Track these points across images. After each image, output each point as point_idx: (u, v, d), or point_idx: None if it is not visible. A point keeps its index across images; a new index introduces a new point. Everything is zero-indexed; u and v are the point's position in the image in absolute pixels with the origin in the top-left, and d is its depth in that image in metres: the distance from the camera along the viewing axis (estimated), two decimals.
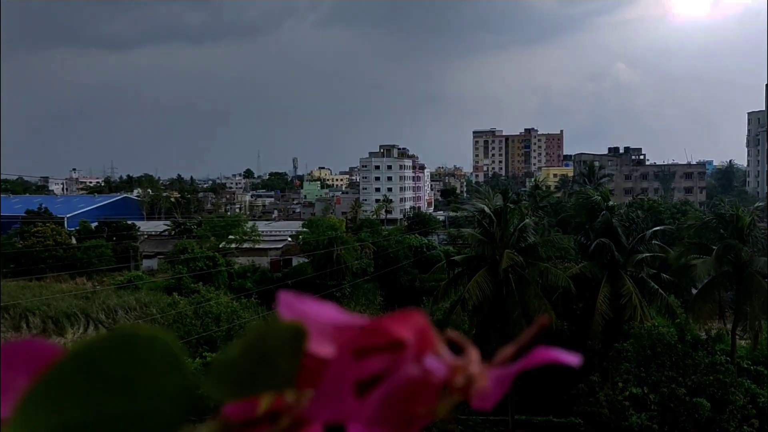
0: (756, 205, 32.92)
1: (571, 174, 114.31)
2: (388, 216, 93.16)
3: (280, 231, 62.74)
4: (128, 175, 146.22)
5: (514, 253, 25.34)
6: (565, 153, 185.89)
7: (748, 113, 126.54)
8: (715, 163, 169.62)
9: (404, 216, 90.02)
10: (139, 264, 52.41)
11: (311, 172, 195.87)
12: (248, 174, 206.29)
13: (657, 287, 26.68)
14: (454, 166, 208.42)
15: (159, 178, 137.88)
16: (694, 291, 29.98)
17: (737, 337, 27.57)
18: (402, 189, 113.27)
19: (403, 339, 0.45)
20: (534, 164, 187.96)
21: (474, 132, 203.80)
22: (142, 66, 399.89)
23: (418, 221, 68.46)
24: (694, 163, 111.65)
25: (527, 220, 27.55)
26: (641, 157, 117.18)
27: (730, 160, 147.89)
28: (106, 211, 72.15)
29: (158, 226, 67.21)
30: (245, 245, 51.23)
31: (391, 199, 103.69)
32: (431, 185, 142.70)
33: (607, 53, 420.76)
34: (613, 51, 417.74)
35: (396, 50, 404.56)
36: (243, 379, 0.43)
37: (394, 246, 47.24)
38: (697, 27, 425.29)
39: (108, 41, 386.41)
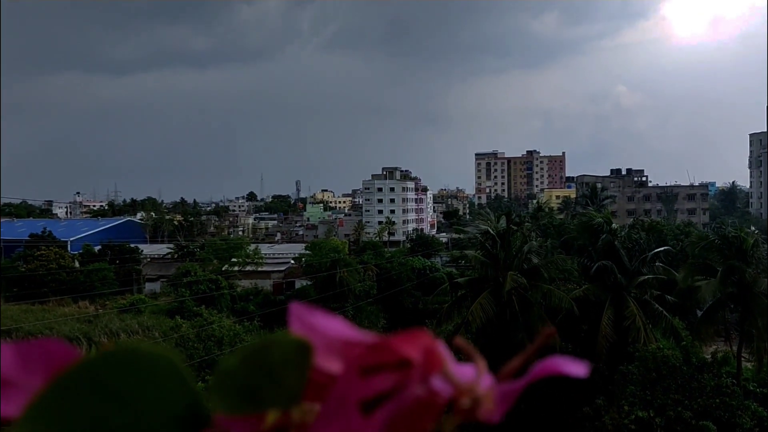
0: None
1: (573, 196, 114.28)
2: (391, 238, 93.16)
3: (282, 253, 62.87)
4: (132, 199, 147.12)
5: (518, 275, 25.30)
6: (567, 175, 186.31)
7: (750, 134, 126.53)
8: (717, 185, 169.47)
9: (407, 238, 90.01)
10: (142, 287, 52.39)
11: (314, 194, 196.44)
12: (251, 197, 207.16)
13: (661, 309, 26.51)
14: (457, 188, 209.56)
15: (162, 201, 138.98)
16: (699, 312, 29.81)
17: (743, 359, 27.35)
18: (404, 211, 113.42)
19: (411, 358, 0.45)
20: (536, 186, 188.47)
21: (476, 154, 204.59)
22: (146, 90, 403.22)
23: (421, 243, 68.38)
24: (697, 184, 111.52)
25: (531, 242, 27.55)
26: (644, 178, 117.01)
27: (733, 182, 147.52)
28: (109, 234, 72.23)
29: (161, 249, 67.34)
30: (248, 268, 51.27)
31: (393, 221, 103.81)
32: (434, 207, 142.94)
33: (608, 76, 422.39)
34: (614, 73, 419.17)
35: (398, 73, 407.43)
36: (246, 391, 0.43)
37: (396, 268, 47.21)
38: (697, 49, 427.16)
39: (112, 66, 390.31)
